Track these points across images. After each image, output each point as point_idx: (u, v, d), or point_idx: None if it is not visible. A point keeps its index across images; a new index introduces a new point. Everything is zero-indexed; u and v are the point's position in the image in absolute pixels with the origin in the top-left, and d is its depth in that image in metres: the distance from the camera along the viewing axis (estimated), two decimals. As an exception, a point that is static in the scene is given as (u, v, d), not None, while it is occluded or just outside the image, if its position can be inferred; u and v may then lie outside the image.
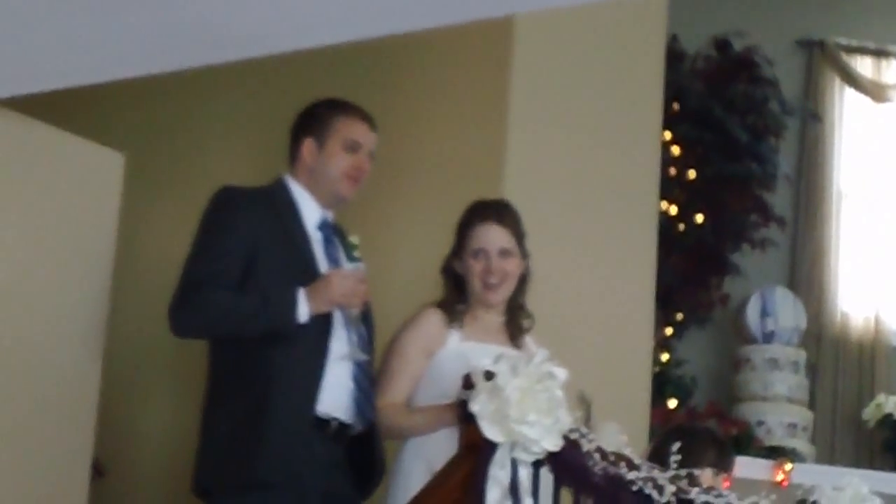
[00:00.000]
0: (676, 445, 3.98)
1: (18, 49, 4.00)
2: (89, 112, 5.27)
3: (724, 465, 4.59)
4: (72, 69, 4.19)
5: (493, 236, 4.46)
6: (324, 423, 4.21)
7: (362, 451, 4.32)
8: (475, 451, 3.69)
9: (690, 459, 4.06)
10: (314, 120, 4.47)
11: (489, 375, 3.69)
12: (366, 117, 4.50)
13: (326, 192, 4.43)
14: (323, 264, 4.33)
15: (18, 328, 4.35)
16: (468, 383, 3.74)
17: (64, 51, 4.03)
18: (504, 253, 4.45)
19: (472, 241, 4.46)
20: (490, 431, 3.66)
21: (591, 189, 5.69)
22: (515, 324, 4.52)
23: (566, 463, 3.74)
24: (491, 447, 3.66)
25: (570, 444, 3.74)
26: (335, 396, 4.23)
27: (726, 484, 4.58)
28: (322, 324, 4.23)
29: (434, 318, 4.43)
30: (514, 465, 3.68)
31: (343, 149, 4.43)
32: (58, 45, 3.99)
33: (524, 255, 4.51)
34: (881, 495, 4.34)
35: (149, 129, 5.71)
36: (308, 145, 4.44)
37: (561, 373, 3.76)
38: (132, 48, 4.03)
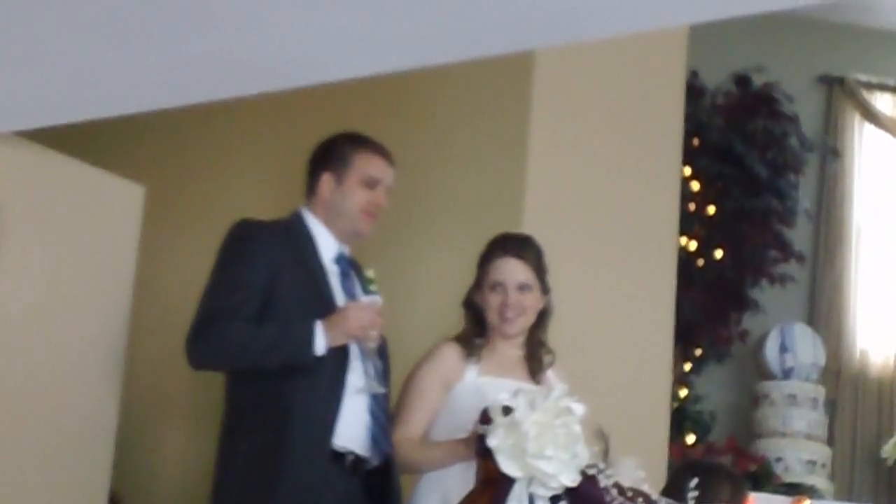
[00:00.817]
0: (694, 481, 3.98)
1: (41, 81, 4.01)
2: (110, 144, 5.29)
3: (737, 501, 4.58)
4: (93, 102, 4.20)
5: (511, 270, 4.46)
6: (340, 456, 4.21)
7: (379, 484, 4.31)
8: (493, 486, 3.70)
9: (706, 496, 4.06)
10: (333, 154, 4.48)
11: (507, 410, 3.70)
12: (384, 153, 4.50)
13: (344, 228, 4.43)
14: (340, 298, 4.33)
15: (38, 360, 4.35)
16: (486, 418, 3.74)
17: (85, 83, 4.04)
18: (523, 287, 4.45)
19: (492, 274, 4.47)
20: (507, 466, 3.67)
21: (611, 223, 5.69)
22: (536, 359, 4.51)
23: (583, 498, 3.74)
24: (508, 482, 3.67)
25: (588, 480, 3.74)
26: (352, 430, 4.23)
27: None
28: (339, 357, 4.24)
29: (451, 352, 4.44)
30: (532, 499, 3.69)
31: (361, 185, 4.43)
32: (79, 77, 4.00)
33: (545, 290, 4.51)
34: (900, 533, 4.33)
35: (169, 162, 5.72)
36: (326, 180, 4.45)
37: (579, 408, 3.76)
38: (153, 81, 4.04)
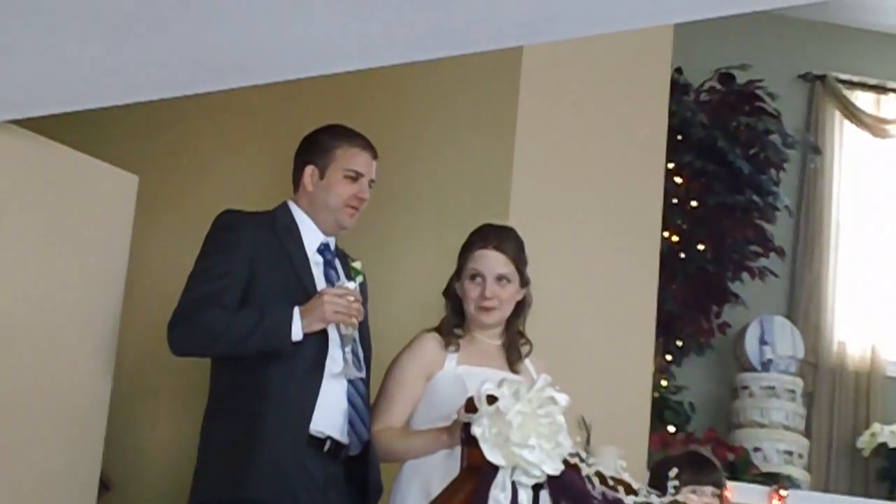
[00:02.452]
0: (674, 471, 4.04)
1: (34, 72, 4.05)
2: (101, 134, 5.32)
3: (698, 482, 4.62)
4: (86, 92, 4.24)
5: (491, 262, 4.51)
6: (318, 441, 4.25)
7: (360, 471, 4.35)
8: (477, 474, 3.71)
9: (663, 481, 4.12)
10: (316, 147, 4.51)
11: (492, 399, 3.74)
12: (367, 146, 4.53)
13: (327, 220, 4.47)
14: (321, 287, 4.36)
15: (31, 345, 4.38)
16: (471, 407, 3.79)
17: (78, 74, 4.08)
18: (501, 279, 4.50)
19: (471, 264, 4.52)
20: (492, 455, 3.68)
21: (596, 216, 5.71)
22: (513, 348, 4.56)
23: (566, 486, 3.77)
24: (492, 470, 3.68)
25: (570, 469, 3.78)
26: (329, 415, 4.27)
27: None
28: (318, 343, 4.27)
29: (431, 342, 4.49)
30: (515, 488, 3.70)
31: (344, 178, 4.46)
32: (73, 69, 4.04)
33: (524, 282, 4.55)
34: (875, 523, 4.39)
35: (158, 151, 5.72)
36: (309, 173, 4.49)
37: (562, 398, 3.79)
38: (145, 73, 4.07)
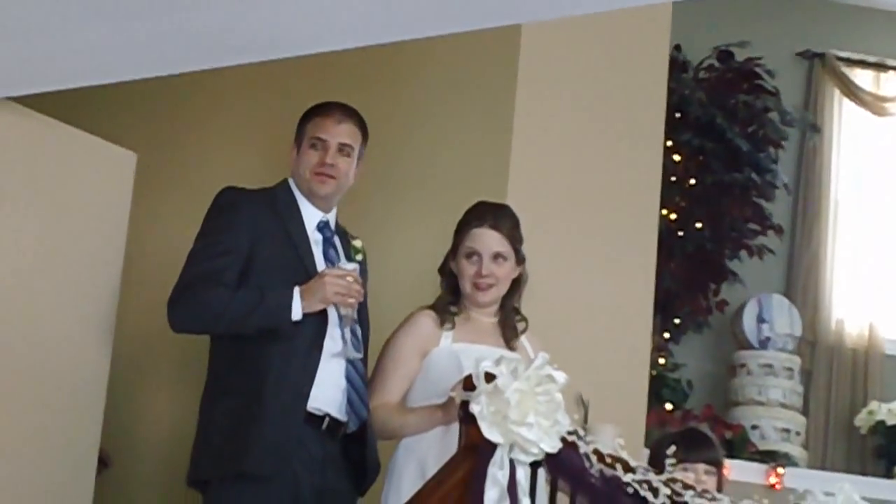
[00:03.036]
0: (672, 449, 4.05)
1: (35, 49, 4.05)
2: (99, 111, 5.31)
3: (692, 459, 4.61)
4: (85, 70, 4.24)
5: (487, 240, 4.50)
6: (317, 418, 4.26)
7: (357, 449, 4.36)
8: (475, 451, 3.71)
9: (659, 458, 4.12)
10: (298, 128, 4.54)
11: (490, 377, 3.75)
12: (333, 111, 4.50)
13: (307, 193, 4.47)
14: (321, 265, 4.37)
15: (30, 322, 4.39)
16: (469, 385, 3.79)
17: (77, 52, 4.08)
18: (497, 257, 4.50)
19: (467, 242, 4.51)
20: (490, 433, 3.68)
21: (594, 194, 5.71)
22: (509, 325, 4.56)
23: (563, 464, 3.78)
24: (490, 448, 3.69)
25: (568, 446, 3.79)
26: (328, 393, 4.27)
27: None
28: (318, 322, 4.28)
29: (427, 320, 4.49)
30: (513, 465, 3.71)
31: (309, 148, 4.47)
32: (72, 46, 4.03)
33: (520, 260, 4.55)
34: (872, 501, 4.38)
35: (157, 129, 5.72)
36: (292, 152, 4.52)
37: (560, 376, 3.79)
38: (144, 51, 4.07)
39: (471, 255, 4.50)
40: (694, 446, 4.63)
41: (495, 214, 4.55)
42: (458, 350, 4.41)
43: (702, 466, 4.59)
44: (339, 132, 4.47)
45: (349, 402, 4.32)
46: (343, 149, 4.47)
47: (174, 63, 4.24)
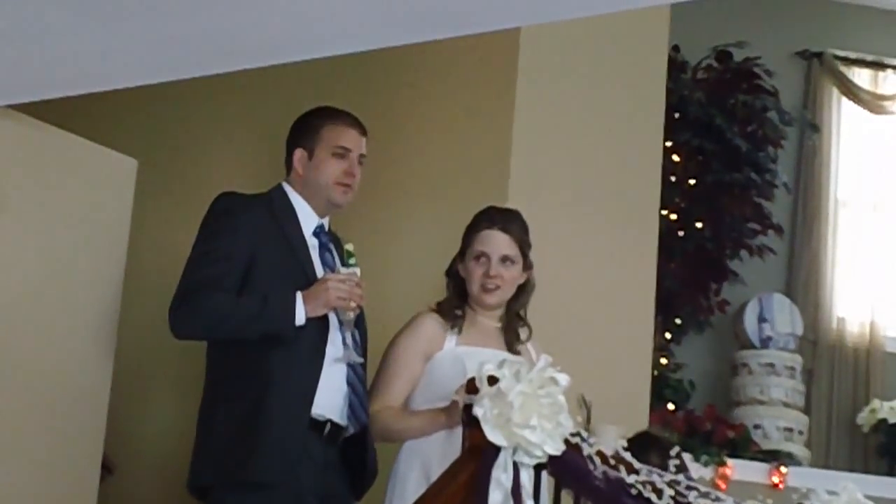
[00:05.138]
0: (676, 450, 4.05)
1: (34, 57, 4.06)
2: (100, 118, 5.32)
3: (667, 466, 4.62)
4: (84, 77, 4.25)
5: (496, 242, 4.52)
6: (319, 424, 4.26)
7: (356, 453, 4.36)
8: (478, 454, 3.71)
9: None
10: (304, 129, 4.51)
11: (493, 380, 3.75)
12: (354, 122, 4.51)
13: (320, 200, 4.46)
14: (319, 270, 4.38)
15: (32, 329, 4.40)
16: (472, 388, 3.80)
17: (78, 59, 4.09)
18: (506, 260, 4.51)
19: (476, 244, 4.53)
20: (493, 435, 3.68)
21: (594, 195, 5.72)
22: (512, 331, 4.57)
23: (567, 466, 3.77)
24: (494, 451, 3.68)
25: (572, 448, 3.79)
26: (330, 398, 4.27)
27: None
28: (319, 328, 4.28)
29: (431, 322, 4.50)
30: (517, 468, 3.71)
31: (332, 156, 4.45)
32: (72, 53, 4.04)
33: (527, 265, 4.57)
34: (875, 499, 4.37)
35: (158, 136, 5.73)
36: (299, 155, 4.48)
37: (563, 379, 3.79)
38: (143, 58, 4.08)
39: (479, 257, 4.52)
40: (644, 450, 4.64)
41: (506, 218, 4.57)
42: (463, 353, 4.42)
43: None
44: (362, 144, 4.50)
45: (350, 406, 4.32)
46: (361, 160, 4.50)
47: (174, 69, 4.25)
